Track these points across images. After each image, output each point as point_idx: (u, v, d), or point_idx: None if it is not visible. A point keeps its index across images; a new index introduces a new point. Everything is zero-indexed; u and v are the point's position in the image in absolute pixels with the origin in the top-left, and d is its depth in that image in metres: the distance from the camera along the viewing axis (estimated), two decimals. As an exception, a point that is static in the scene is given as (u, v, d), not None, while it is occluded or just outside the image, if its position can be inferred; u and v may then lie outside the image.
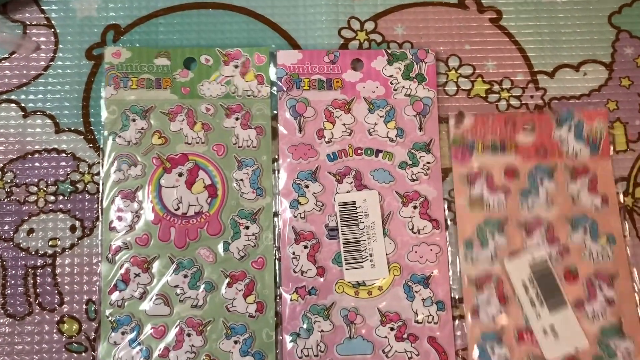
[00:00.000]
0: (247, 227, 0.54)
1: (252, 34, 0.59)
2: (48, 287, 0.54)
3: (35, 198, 0.55)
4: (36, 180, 0.56)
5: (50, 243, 0.55)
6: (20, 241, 0.54)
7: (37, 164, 0.56)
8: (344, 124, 0.57)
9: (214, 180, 0.55)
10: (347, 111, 0.57)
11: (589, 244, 0.54)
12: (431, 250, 0.55)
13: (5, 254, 0.54)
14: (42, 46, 0.58)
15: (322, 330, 0.53)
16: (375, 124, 0.57)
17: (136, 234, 0.54)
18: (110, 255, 0.54)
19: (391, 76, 0.58)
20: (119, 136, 0.55)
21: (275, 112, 0.57)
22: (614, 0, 0.61)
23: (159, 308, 0.53)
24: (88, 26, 0.59)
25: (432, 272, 0.54)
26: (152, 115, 0.56)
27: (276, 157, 0.55)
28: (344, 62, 0.58)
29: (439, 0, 0.60)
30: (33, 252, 0.54)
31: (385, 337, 0.53)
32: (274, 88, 0.58)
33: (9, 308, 0.54)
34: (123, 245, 0.54)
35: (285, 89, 0.57)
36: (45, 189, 0.55)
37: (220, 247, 0.54)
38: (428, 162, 0.56)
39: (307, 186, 0.55)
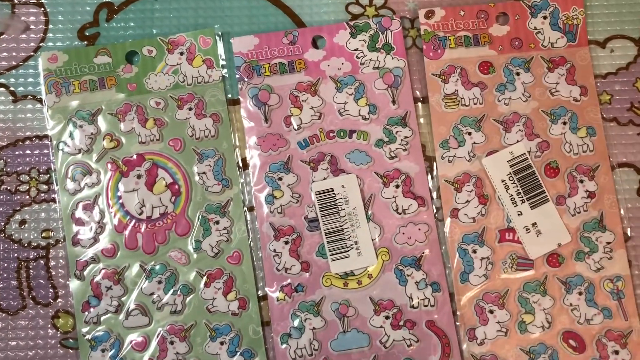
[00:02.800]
0: (217, 222, 0.52)
1: (253, 11, 0.56)
2: (42, 281, 0.52)
3: (27, 187, 0.53)
4: (27, 168, 0.53)
5: (43, 235, 0.53)
6: (12, 232, 0.53)
7: (28, 152, 0.54)
8: (312, 108, 0.54)
9: (175, 178, 0.53)
10: (313, 93, 0.54)
11: (569, 137, 0.53)
12: (419, 229, 0.52)
13: None
14: (32, 26, 0.55)
15: (314, 328, 0.51)
16: (345, 102, 0.54)
17: (102, 246, 0.52)
18: (78, 272, 0.52)
19: (356, 50, 0.55)
20: (68, 145, 0.53)
21: (229, 95, 0.54)
22: (643, -29, 0.61)
23: (137, 319, 0.51)
24: (80, 4, 0.56)
25: (424, 253, 0.52)
26: (99, 118, 0.53)
27: (237, 144, 0.53)
28: (305, 41, 0.55)
29: (454, -30, 0.61)
30: (26, 244, 0.52)
31: (381, 326, 0.51)
32: (225, 70, 0.55)
33: (1, 302, 0.52)
34: (90, 260, 0.52)
35: (245, 78, 0.54)
36: (37, 177, 0.53)
37: (191, 247, 0.52)
38: (406, 137, 0.53)
39: (280, 178, 0.53)
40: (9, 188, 0.53)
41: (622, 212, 0.53)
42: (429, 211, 0.53)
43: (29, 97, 0.55)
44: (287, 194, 0.53)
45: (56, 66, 0.54)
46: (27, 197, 0.53)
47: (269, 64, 0.54)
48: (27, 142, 0.54)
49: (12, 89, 0.55)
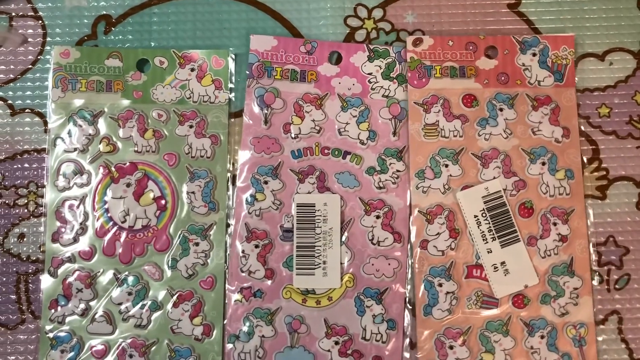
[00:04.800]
0: (197, 244, 0.47)
1: (251, 23, 0.51)
2: (40, 295, 0.48)
3: (26, 201, 0.49)
4: (26, 182, 0.49)
5: (41, 249, 0.48)
6: (11, 247, 0.49)
7: (26, 165, 0.49)
8: (313, 120, 0.49)
9: (163, 192, 0.47)
10: (318, 107, 0.50)
11: (547, 178, 0.49)
12: (389, 264, 0.48)
13: None
14: (30, 39, 0.51)
15: (263, 336, 0.47)
16: (347, 123, 0.49)
17: (80, 247, 0.47)
18: (52, 269, 0.46)
19: (370, 74, 0.50)
20: (65, 142, 0.48)
21: (232, 120, 0.50)
22: (643, -17, 0.49)
23: (101, 326, 0.46)
24: (78, 17, 0.51)
25: (388, 288, 0.48)
26: (101, 121, 0.48)
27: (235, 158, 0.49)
28: (321, 54, 0.50)
29: (452, -16, 0.50)
30: (24, 258, 0.48)
31: (329, 350, 0.47)
32: (232, 94, 0.50)
33: (0, 317, 0.48)
34: (66, 259, 0.47)
35: (254, 76, 0.49)
36: (35, 191, 0.49)
37: (167, 264, 0.47)
38: (398, 171, 0.49)
39: (266, 182, 0.48)
40: (7, 202, 0.49)
41: (593, 257, 0.48)
42: (403, 248, 0.48)
43: (27, 110, 0.50)
44: (269, 198, 0.48)
45: (67, 62, 0.48)
46: (26, 210, 0.49)
47: (282, 68, 0.50)
48: (26, 156, 0.49)
49: (10, 102, 0.50)
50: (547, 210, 0.48)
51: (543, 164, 0.49)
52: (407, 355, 0.47)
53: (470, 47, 0.50)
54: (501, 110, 0.50)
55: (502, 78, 0.50)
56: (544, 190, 0.49)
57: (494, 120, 0.49)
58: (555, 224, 0.49)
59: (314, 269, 0.48)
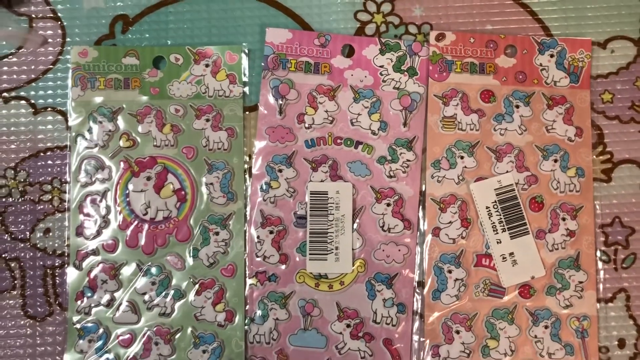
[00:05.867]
0: (217, 233, 0.48)
1: (264, 20, 0.52)
2: (67, 287, 0.49)
3: (50, 197, 0.50)
4: (50, 178, 0.50)
5: (66, 242, 0.49)
6: (37, 241, 0.50)
7: (50, 162, 0.50)
8: (326, 111, 0.50)
9: (183, 185, 0.48)
10: (331, 98, 0.51)
11: (558, 175, 0.50)
12: (399, 250, 0.49)
13: (22, 254, 0.49)
14: (50, 40, 0.52)
15: (277, 319, 0.48)
16: (359, 114, 0.50)
17: (104, 240, 0.48)
18: (77, 262, 0.47)
19: (382, 66, 0.51)
20: (86, 139, 0.49)
21: (247, 113, 0.51)
22: (643, -28, 0.50)
23: (126, 316, 0.47)
24: (95, 17, 0.52)
25: (398, 273, 0.49)
26: (120, 117, 0.49)
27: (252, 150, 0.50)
28: (335, 47, 0.51)
29: (458, -22, 0.51)
30: (50, 252, 0.49)
31: (341, 333, 0.48)
32: (247, 88, 0.51)
33: (29, 309, 0.49)
34: (90, 252, 0.48)
35: (270, 68, 0.51)
36: (59, 187, 0.50)
37: (189, 254, 0.48)
38: (408, 160, 0.50)
39: (280, 170, 0.50)
40: (32, 198, 0.50)
41: (597, 253, 0.50)
42: (412, 235, 0.49)
43: (49, 109, 0.51)
44: (283, 186, 0.50)
45: (85, 61, 0.49)
46: (50, 206, 0.50)
47: (296, 61, 0.51)
48: (49, 153, 0.50)
49: (32, 101, 0.51)
50: (556, 205, 0.50)
51: (555, 161, 0.50)
52: (415, 338, 0.49)
53: (491, 45, 0.51)
54: (517, 107, 0.51)
55: (520, 76, 0.51)
56: (555, 187, 0.50)
57: (510, 116, 0.51)
58: (564, 219, 0.50)
59: (327, 254, 0.49)
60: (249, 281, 0.48)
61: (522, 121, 0.51)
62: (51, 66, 0.52)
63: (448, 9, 0.52)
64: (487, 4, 0.53)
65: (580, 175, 0.50)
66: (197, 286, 0.48)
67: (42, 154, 0.51)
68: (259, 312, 0.48)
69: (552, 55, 0.51)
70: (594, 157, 0.50)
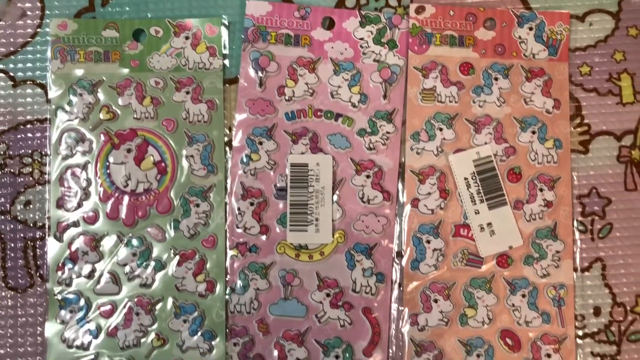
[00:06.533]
0: (197, 205, 0.48)
1: None
2: (48, 259, 0.49)
3: (30, 170, 0.50)
4: (30, 151, 0.50)
5: (47, 215, 0.49)
6: (18, 214, 0.50)
7: (29, 135, 0.50)
8: (306, 84, 0.50)
9: (163, 157, 0.48)
10: (311, 70, 0.51)
11: (536, 146, 0.50)
12: (378, 221, 0.49)
13: (3, 226, 0.50)
14: (28, 12, 0.51)
15: (258, 289, 0.49)
16: (339, 87, 0.50)
17: (84, 212, 0.48)
18: (58, 234, 0.48)
19: (362, 39, 0.51)
20: (66, 111, 0.49)
21: (227, 85, 0.51)
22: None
23: (107, 287, 0.47)
24: None
25: (377, 244, 0.50)
26: (100, 90, 0.49)
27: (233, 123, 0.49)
28: (315, 19, 0.51)
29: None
30: (31, 224, 0.49)
31: (320, 302, 0.49)
32: (227, 60, 0.51)
33: (10, 281, 0.49)
34: (71, 223, 0.48)
35: (250, 40, 0.50)
36: (39, 159, 0.50)
37: (169, 226, 0.49)
38: (388, 132, 0.50)
39: (261, 143, 0.50)
40: (12, 171, 0.50)
41: (575, 223, 0.50)
42: (392, 206, 0.49)
43: (28, 82, 0.51)
44: (263, 158, 0.49)
45: (65, 33, 0.49)
46: (31, 179, 0.50)
47: (276, 33, 0.50)
48: (28, 126, 0.50)
49: (11, 74, 0.51)
50: (534, 176, 0.50)
51: (533, 132, 0.51)
52: (394, 307, 0.49)
53: (470, 18, 0.51)
54: (496, 79, 0.51)
55: (499, 49, 0.51)
56: (533, 158, 0.50)
57: (489, 88, 0.51)
58: (541, 190, 0.50)
59: (307, 225, 0.49)
60: (229, 252, 0.48)
61: (501, 93, 0.51)
62: (30, 39, 0.51)
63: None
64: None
65: (557, 147, 0.50)
66: (177, 257, 0.48)
67: (22, 127, 0.51)
68: (239, 283, 0.48)
69: (530, 28, 0.51)
70: (572, 129, 0.51)
